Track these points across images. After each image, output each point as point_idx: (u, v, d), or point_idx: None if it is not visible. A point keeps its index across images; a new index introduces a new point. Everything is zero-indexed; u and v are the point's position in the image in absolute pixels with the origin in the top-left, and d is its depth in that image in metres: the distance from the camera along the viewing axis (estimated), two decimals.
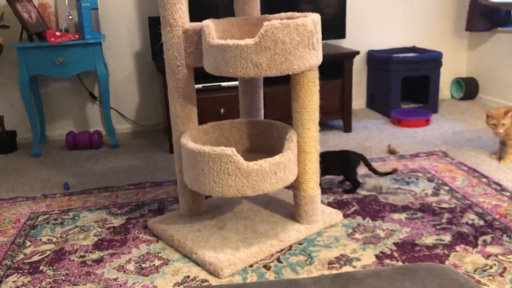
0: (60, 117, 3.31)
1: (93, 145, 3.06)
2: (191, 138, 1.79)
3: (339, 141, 2.97)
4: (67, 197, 2.33)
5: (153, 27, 2.99)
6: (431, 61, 3.34)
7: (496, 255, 1.66)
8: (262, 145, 1.98)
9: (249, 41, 1.52)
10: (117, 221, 2.04)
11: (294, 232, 1.80)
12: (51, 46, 2.77)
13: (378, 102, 3.56)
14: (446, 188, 2.21)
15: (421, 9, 3.64)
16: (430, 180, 2.31)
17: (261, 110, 2.09)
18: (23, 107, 3.17)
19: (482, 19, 3.46)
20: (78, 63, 2.84)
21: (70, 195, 2.35)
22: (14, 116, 3.23)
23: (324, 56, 2.85)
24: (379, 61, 3.45)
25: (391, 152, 2.72)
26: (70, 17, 2.94)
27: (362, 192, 2.21)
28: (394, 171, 2.21)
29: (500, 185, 2.21)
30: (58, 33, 2.78)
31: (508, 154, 2.48)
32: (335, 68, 3.07)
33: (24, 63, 2.78)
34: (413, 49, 3.64)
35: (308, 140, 1.74)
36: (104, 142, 3.18)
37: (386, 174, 2.24)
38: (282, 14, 1.83)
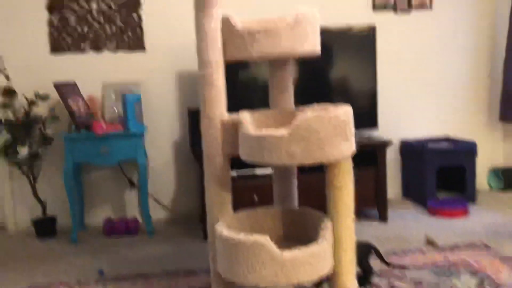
0: (99, 204, 3.41)
1: (130, 231, 3.10)
2: (226, 226, 1.81)
3: (375, 231, 2.91)
4: (101, 284, 2.34)
5: (192, 118, 3.14)
6: (465, 151, 3.33)
7: None
8: (297, 233, 1.97)
9: (283, 131, 1.58)
10: None
11: None
12: (97, 136, 2.93)
13: (413, 191, 3.51)
14: (491, 283, 2.10)
15: (453, 99, 3.70)
16: (473, 274, 2.21)
17: (295, 198, 2.11)
18: (64, 193, 3.30)
19: None
20: (120, 152, 2.98)
21: (104, 282, 2.36)
22: (55, 202, 3.35)
23: (357, 145, 2.90)
24: (412, 150, 3.47)
25: (430, 243, 2.63)
26: (116, 109, 3.14)
27: (402, 285, 2.12)
28: (404, 267, 2.29)
29: None
30: (103, 125, 2.96)
31: None
32: (369, 157, 3.10)
33: (70, 152, 2.94)
34: (446, 139, 3.65)
35: (344, 229, 1.73)
36: (140, 229, 3.23)
37: (399, 267, 2.26)
38: (315, 106, 1.91)
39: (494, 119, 3.74)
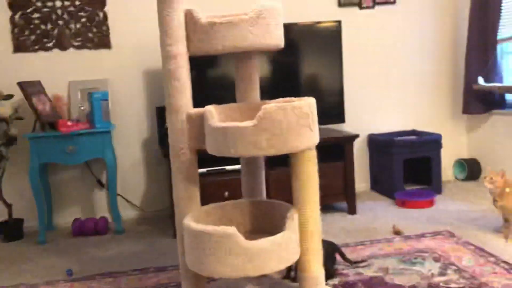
0: (67, 204, 3.35)
1: (99, 231, 3.06)
2: (194, 219, 1.81)
3: (344, 223, 2.95)
4: (69, 283, 2.31)
5: (161, 116, 3.13)
6: (431, 143, 3.42)
7: None
8: (265, 225, 1.99)
9: (248, 123, 1.60)
10: None
11: None
12: (62, 135, 2.89)
13: (381, 184, 3.58)
14: (454, 267, 2.17)
15: (417, 94, 3.79)
16: (436, 260, 2.27)
17: (263, 191, 2.13)
18: (31, 195, 3.23)
19: (477, 103, 3.58)
20: (87, 151, 2.94)
21: (72, 282, 2.33)
22: (22, 204, 3.28)
23: (325, 140, 2.94)
24: (380, 144, 3.54)
25: (396, 233, 2.70)
26: (82, 108, 3.09)
27: (368, 273, 2.17)
28: (363, 260, 2.31)
29: (509, 264, 2.16)
30: (69, 123, 2.92)
31: None
32: (336, 151, 3.15)
33: (35, 152, 2.89)
34: (413, 133, 3.74)
35: (310, 219, 1.75)
36: (110, 228, 3.19)
37: (357, 262, 2.29)
38: (280, 99, 1.93)
39: (458, 112, 3.85)
